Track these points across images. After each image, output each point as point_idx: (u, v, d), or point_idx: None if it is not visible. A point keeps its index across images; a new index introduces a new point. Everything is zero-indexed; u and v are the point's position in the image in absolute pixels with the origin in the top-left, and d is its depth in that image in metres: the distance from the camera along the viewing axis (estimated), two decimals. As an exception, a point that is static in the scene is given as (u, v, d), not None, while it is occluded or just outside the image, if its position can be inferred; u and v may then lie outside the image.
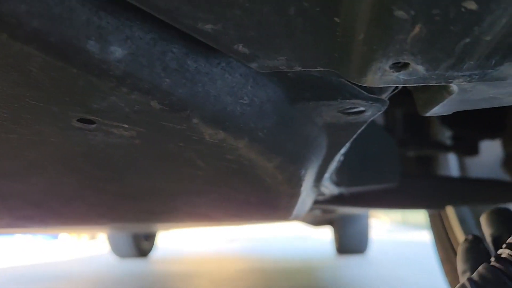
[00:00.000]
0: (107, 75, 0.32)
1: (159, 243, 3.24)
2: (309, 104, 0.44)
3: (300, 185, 0.54)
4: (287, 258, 3.03)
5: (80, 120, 0.38)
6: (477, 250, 0.48)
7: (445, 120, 1.31)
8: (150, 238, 2.94)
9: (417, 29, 0.26)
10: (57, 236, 5.66)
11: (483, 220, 0.51)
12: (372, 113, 0.47)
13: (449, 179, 1.35)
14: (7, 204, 0.58)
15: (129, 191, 0.55)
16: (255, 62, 0.34)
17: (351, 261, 2.76)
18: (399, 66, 0.31)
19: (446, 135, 1.38)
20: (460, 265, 0.49)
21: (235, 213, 0.64)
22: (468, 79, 0.31)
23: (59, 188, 0.54)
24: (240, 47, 0.32)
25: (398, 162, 1.04)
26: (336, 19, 0.29)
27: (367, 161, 0.96)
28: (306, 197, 0.64)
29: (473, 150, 1.33)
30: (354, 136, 0.54)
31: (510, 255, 0.41)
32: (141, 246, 2.82)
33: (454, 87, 0.36)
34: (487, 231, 0.50)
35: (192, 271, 2.41)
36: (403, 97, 0.64)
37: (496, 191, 1.26)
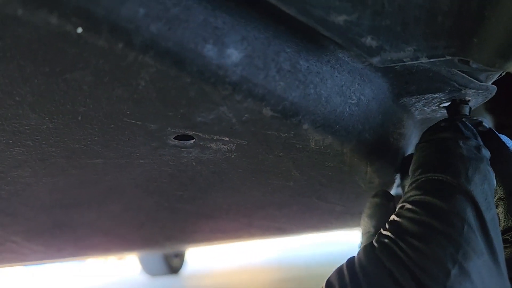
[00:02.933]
0: (222, 82, 0.28)
1: (188, 259, 3.21)
2: (413, 99, 0.40)
3: (392, 188, 0.49)
4: (321, 265, 2.97)
5: (178, 137, 0.34)
6: (386, 208, 0.40)
7: (488, 107, 1.25)
8: (180, 254, 2.90)
9: None
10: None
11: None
12: (475, 102, 0.43)
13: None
14: (74, 233, 0.54)
15: (207, 210, 0.51)
16: (379, 55, 0.30)
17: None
18: None
19: (490, 124, 1.33)
20: (364, 222, 0.40)
21: (313, 225, 0.60)
22: None
23: (133, 213, 0.50)
24: (368, 40, 0.28)
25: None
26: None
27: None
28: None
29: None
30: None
31: (390, 237, 0.31)
32: (172, 263, 2.79)
33: None
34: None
35: (225, 285, 2.36)
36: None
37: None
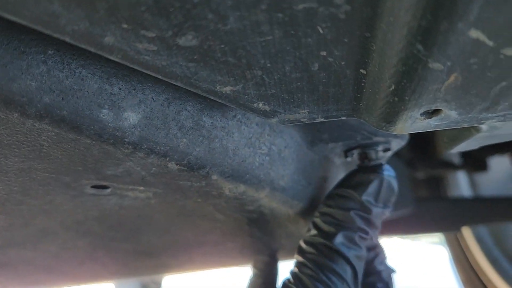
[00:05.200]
0: (122, 142, 0.30)
1: (164, 284, 3.17)
2: (327, 146, 0.43)
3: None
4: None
5: (94, 187, 0.36)
6: None
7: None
8: (156, 281, 2.88)
9: (452, 78, 0.25)
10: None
11: None
12: (391, 149, 0.45)
13: (462, 200, 1.32)
14: (17, 271, 0.56)
15: (144, 247, 0.53)
16: (276, 117, 0.33)
17: None
18: (430, 113, 0.30)
19: (454, 154, 1.36)
20: None
21: (252, 258, 0.62)
22: (502, 119, 0.29)
23: (70, 252, 0.52)
24: (260, 105, 0.31)
25: (409, 185, 1.02)
26: (363, 71, 0.28)
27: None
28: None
29: (483, 167, 1.31)
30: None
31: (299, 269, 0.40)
32: (149, 288, 2.75)
33: (483, 126, 0.34)
34: None
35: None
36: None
37: (511, 208, 1.23)
